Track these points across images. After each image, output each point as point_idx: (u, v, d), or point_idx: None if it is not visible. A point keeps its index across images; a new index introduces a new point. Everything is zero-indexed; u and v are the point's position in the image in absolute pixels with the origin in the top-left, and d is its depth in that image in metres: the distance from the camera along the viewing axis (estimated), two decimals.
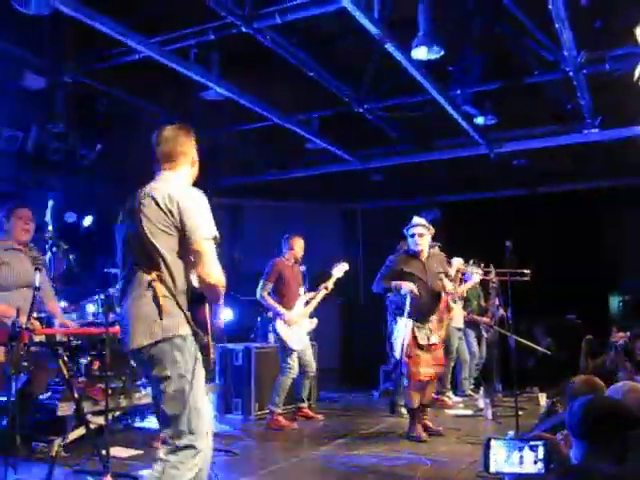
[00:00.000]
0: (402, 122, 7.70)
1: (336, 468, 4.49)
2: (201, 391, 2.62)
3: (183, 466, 2.51)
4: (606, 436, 2.28)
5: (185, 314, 2.59)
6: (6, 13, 4.64)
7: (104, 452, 3.85)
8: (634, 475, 2.23)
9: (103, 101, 6.75)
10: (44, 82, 6.01)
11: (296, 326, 6.08)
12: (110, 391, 4.58)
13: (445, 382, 7.46)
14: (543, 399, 6.84)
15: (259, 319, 7.40)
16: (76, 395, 4.20)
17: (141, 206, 2.65)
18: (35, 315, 3.95)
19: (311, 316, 6.32)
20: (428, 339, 5.32)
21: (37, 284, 3.87)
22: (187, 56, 5.58)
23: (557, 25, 4.93)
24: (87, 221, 7.16)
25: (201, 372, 2.63)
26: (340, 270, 6.28)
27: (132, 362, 4.64)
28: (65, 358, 4.20)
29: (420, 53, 5.07)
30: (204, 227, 2.59)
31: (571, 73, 5.80)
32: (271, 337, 6.79)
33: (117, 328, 3.75)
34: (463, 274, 6.29)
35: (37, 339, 4.14)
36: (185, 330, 2.58)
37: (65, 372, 4.15)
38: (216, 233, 2.62)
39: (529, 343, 6.67)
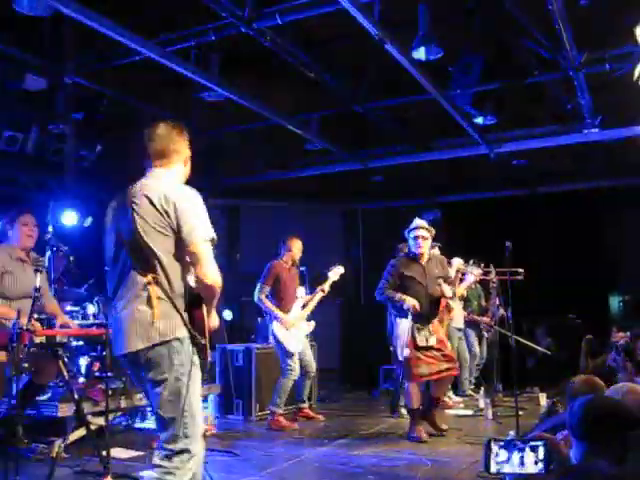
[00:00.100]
0: (402, 122, 7.70)
1: (336, 468, 4.49)
2: (197, 394, 2.60)
3: (179, 472, 2.49)
4: (606, 436, 2.28)
5: (182, 316, 2.55)
6: (6, 14, 4.64)
7: (104, 453, 3.86)
8: (634, 475, 2.23)
9: (103, 102, 6.75)
10: (44, 83, 6.01)
11: (294, 329, 6.07)
12: (110, 392, 4.58)
13: None
14: (543, 399, 6.83)
15: (259, 320, 7.39)
16: (76, 396, 4.20)
17: (134, 205, 2.58)
18: (36, 316, 3.95)
19: (309, 318, 6.32)
20: (427, 340, 5.33)
21: (37, 284, 3.86)
22: (187, 57, 5.59)
23: (557, 25, 4.93)
24: (87, 222, 7.15)
25: (197, 375, 2.60)
26: (336, 273, 6.29)
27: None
28: (65, 359, 4.20)
29: (420, 53, 5.08)
30: (201, 229, 2.55)
31: (571, 73, 5.81)
32: (271, 338, 6.79)
33: None
34: (463, 274, 6.29)
35: (37, 340, 4.14)
36: (182, 333, 2.54)
37: (65, 373, 4.15)
38: (214, 235, 2.58)
39: (529, 343, 6.67)
